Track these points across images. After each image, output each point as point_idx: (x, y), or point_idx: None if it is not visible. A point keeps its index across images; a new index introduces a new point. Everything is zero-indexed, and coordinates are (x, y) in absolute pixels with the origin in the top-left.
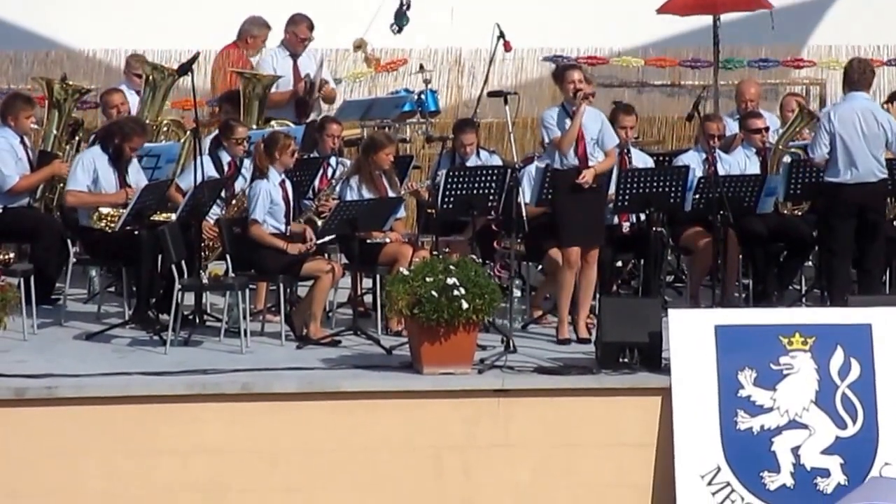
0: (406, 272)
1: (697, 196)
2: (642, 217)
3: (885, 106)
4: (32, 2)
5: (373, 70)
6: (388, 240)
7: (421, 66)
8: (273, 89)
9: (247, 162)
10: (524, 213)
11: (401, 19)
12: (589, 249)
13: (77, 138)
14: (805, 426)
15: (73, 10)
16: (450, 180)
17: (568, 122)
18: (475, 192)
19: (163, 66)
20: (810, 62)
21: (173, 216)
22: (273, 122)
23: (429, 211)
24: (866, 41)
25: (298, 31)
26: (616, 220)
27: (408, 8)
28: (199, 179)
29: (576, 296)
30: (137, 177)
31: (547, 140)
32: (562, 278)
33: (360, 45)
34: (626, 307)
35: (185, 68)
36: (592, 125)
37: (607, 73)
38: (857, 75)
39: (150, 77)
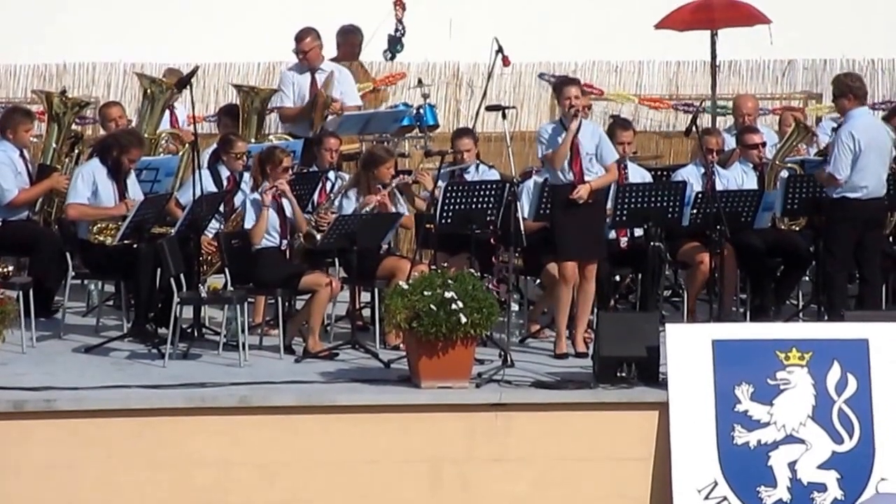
0: (404, 286)
1: (695, 211)
2: (640, 232)
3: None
4: (32, 14)
5: (369, 84)
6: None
7: (419, 81)
8: (290, 104)
9: (246, 176)
10: (522, 228)
11: (394, 46)
12: (587, 264)
13: (76, 151)
14: (802, 441)
15: (73, 23)
16: (448, 195)
17: (563, 137)
18: (474, 206)
19: (161, 80)
20: (801, 109)
21: (172, 230)
22: (271, 137)
23: (427, 225)
24: (860, 54)
25: (299, 46)
26: (614, 234)
27: (402, 35)
28: (197, 193)
29: (574, 310)
30: (134, 189)
31: (540, 155)
32: (558, 293)
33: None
34: (624, 322)
35: (184, 82)
36: (589, 141)
37: (604, 98)
38: (862, 90)
39: (149, 91)
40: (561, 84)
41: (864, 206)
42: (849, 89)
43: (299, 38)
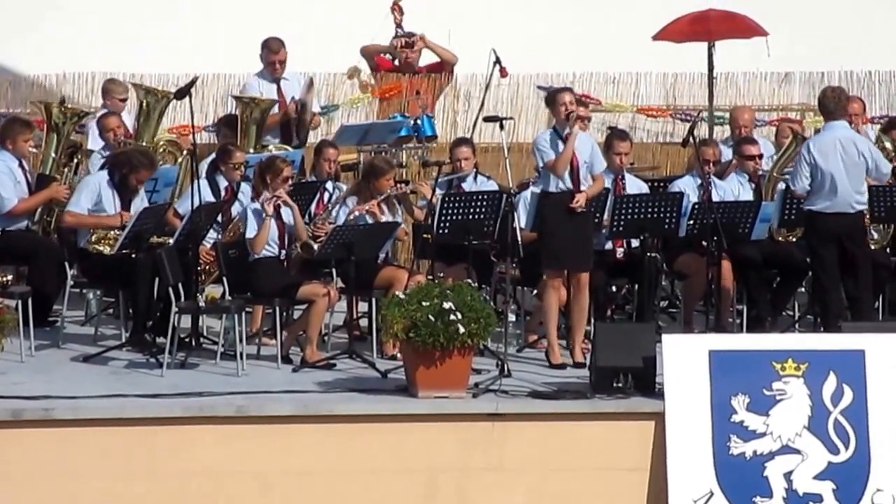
0: (402, 296)
1: (692, 222)
2: (636, 242)
3: (880, 134)
4: (32, 24)
5: (369, 95)
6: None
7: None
8: None
9: (244, 186)
10: (519, 239)
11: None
12: (578, 273)
13: (75, 161)
14: (798, 451)
15: (73, 33)
16: (445, 206)
17: (560, 144)
18: (471, 217)
19: (155, 90)
20: (798, 121)
21: (170, 240)
22: (270, 147)
23: (425, 236)
24: (858, 66)
25: (265, 56)
26: (611, 245)
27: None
28: (196, 203)
29: (569, 321)
30: (141, 205)
31: (541, 164)
32: (547, 301)
33: (353, 74)
34: (621, 332)
35: (184, 92)
36: (584, 149)
37: (601, 108)
38: (833, 104)
39: (144, 101)
40: (554, 93)
41: (833, 220)
42: (819, 103)
43: (276, 48)
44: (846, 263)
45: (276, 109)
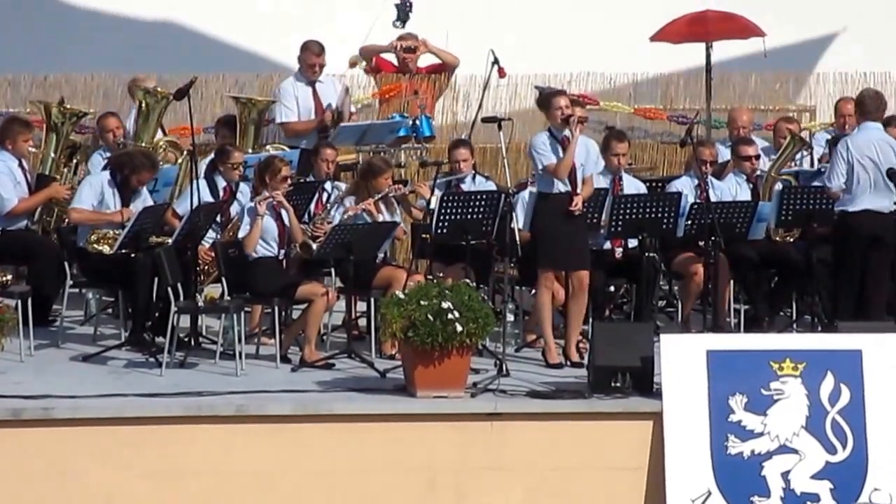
0: (401, 295)
1: (690, 222)
2: (634, 242)
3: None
4: (30, 25)
5: (370, 98)
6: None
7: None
8: (294, 117)
9: (243, 186)
10: (518, 239)
11: (404, 13)
12: (575, 273)
13: (75, 161)
14: (795, 451)
15: (71, 33)
16: (444, 205)
17: (558, 147)
18: (469, 217)
19: (156, 90)
20: (796, 121)
21: (169, 240)
22: (268, 147)
23: (423, 236)
24: (853, 68)
25: (305, 58)
26: (609, 245)
27: (410, 8)
28: (195, 204)
29: (567, 320)
30: (143, 206)
31: (539, 166)
32: (540, 299)
33: (355, 63)
34: (619, 332)
35: (183, 93)
36: (581, 151)
37: (598, 108)
38: (872, 106)
39: (144, 102)
40: (548, 96)
41: (867, 220)
42: (857, 103)
43: (318, 51)
44: (867, 265)
45: (312, 114)
